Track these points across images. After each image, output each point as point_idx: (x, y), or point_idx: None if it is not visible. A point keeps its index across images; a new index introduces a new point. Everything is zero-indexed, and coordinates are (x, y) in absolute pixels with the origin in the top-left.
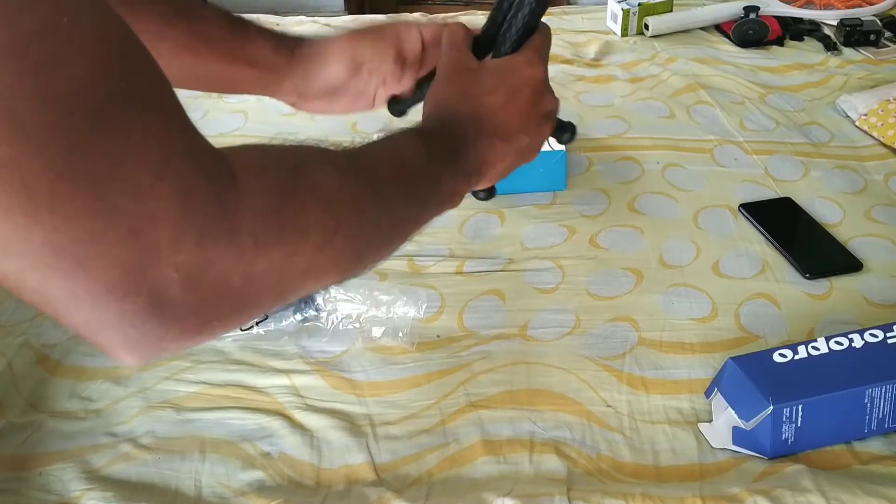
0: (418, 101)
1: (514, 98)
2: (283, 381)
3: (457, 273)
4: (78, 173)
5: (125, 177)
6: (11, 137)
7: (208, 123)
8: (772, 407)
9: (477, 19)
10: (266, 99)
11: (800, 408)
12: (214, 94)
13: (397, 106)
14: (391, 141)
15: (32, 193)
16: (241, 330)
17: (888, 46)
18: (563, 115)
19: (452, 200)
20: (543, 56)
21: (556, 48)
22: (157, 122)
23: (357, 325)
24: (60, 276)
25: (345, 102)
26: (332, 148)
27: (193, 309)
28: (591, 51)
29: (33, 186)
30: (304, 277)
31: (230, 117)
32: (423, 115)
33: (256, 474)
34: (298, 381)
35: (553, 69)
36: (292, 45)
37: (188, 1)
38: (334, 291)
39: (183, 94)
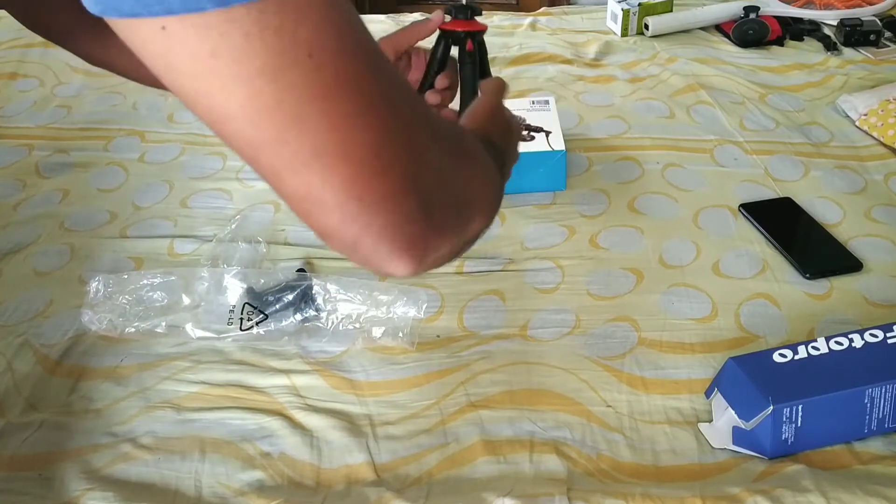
0: None
1: (510, 124)
2: (283, 381)
3: (457, 273)
4: (385, 95)
5: (406, 96)
6: (360, 68)
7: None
8: (772, 407)
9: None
10: None
11: (800, 408)
12: None
13: None
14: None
15: (367, 103)
16: (241, 330)
17: (888, 46)
18: (564, 115)
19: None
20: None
21: (556, 48)
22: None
23: (357, 325)
24: (374, 177)
25: None
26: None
27: (444, 207)
28: (591, 51)
29: (370, 100)
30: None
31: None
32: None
33: (256, 474)
34: (298, 381)
35: (553, 69)
36: None
37: None
38: (334, 291)
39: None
